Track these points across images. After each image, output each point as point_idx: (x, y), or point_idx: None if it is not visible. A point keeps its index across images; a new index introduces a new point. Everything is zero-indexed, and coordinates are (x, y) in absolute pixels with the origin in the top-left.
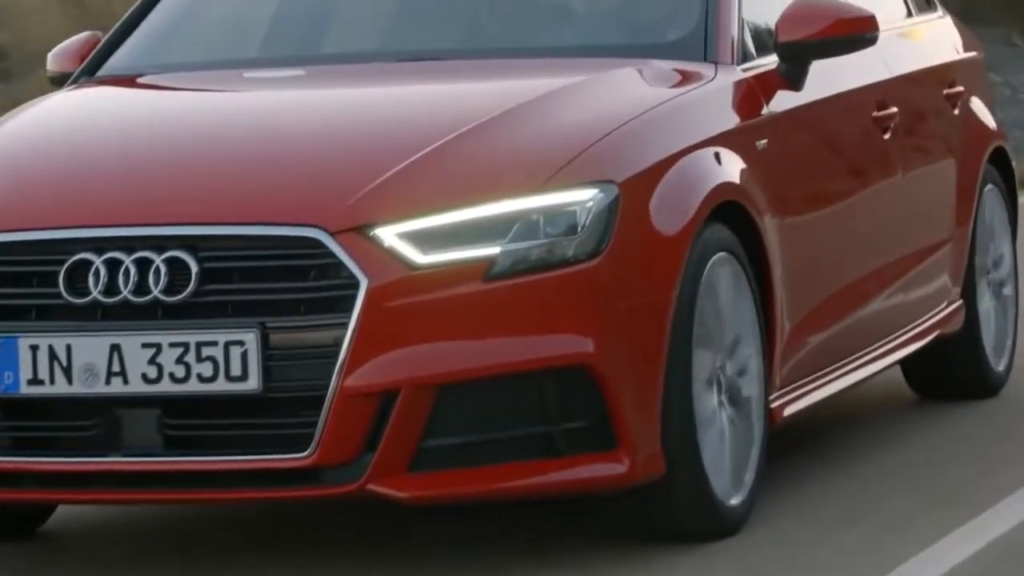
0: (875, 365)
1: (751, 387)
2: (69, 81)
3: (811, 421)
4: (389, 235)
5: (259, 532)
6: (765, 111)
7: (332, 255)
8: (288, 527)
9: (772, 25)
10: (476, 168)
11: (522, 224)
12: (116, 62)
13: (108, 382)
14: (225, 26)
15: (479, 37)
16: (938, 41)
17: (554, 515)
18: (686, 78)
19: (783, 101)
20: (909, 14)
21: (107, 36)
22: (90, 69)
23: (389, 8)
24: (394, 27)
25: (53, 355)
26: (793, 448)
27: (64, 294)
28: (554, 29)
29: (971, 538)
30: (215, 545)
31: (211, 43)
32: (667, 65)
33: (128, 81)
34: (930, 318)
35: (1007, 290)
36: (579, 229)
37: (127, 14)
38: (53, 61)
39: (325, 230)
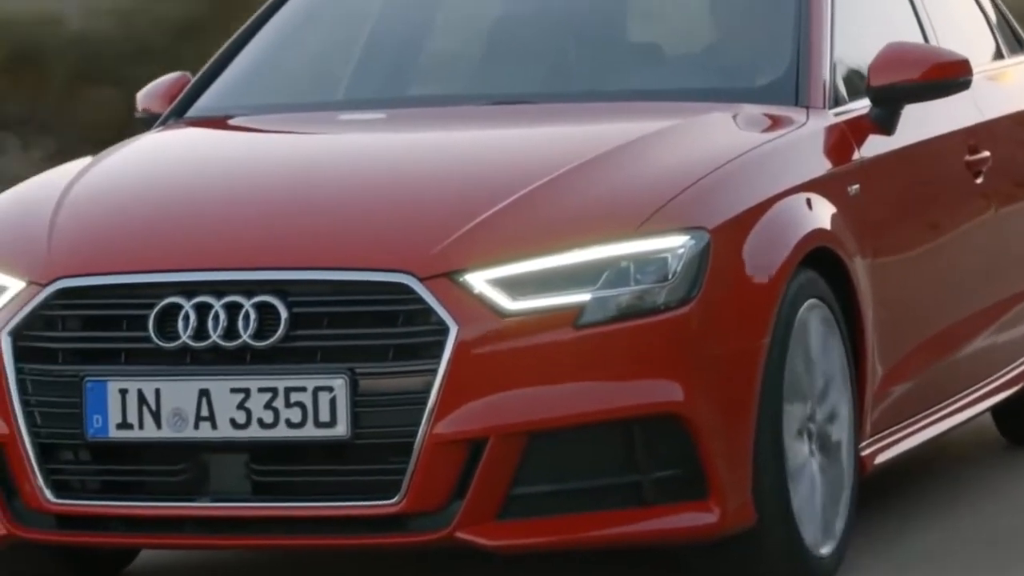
0: (968, 411)
1: (841, 435)
2: (158, 122)
3: (896, 469)
4: (479, 281)
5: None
6: (857, 156)
7: (421, 301)
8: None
9: (863, 68)
10: (566, 214)
11: (612, 271)
12: (205, 103)
13: (197, 427)
14: (311, 68)
15: (566, 80)
16: None
17: (640, 566)
18: (778, 123)
19: (875, 146)
20: (1000, 56)
21: (196, 77)
22: (179, 110)
23: (474, 51)
24: (478, 70)
25: (142, 399)
26: (877, 498)
27: (154, 338)
28: (644, 72)
29: None
30: None
31: (298, 85)
32: (758, 110)
33: (217, 122)
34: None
35: None
36: (670, 276)
37: (215, 56)
38: (142, 101)
39: (414, 275)
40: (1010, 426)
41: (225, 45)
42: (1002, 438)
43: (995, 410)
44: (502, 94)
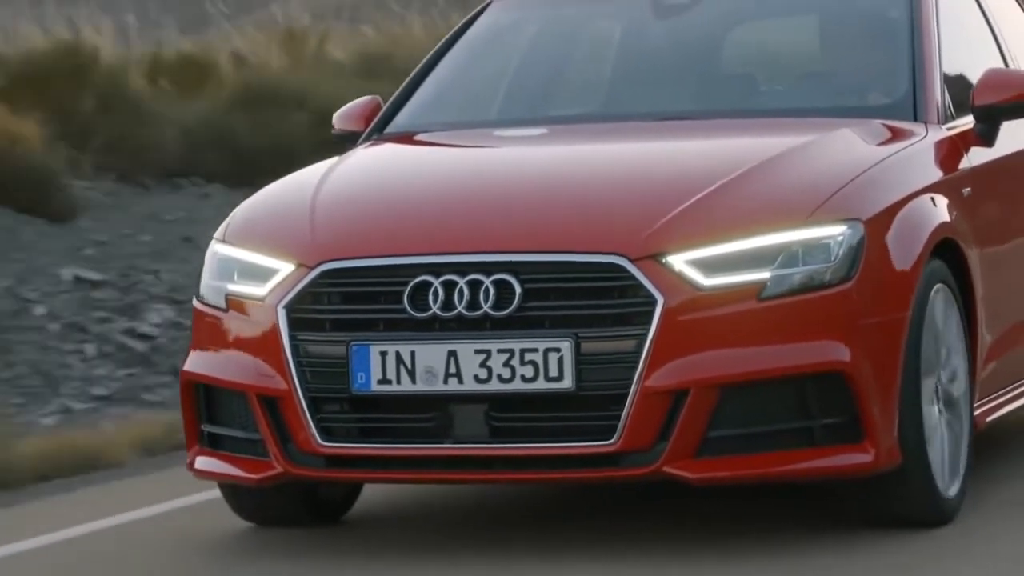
0: None
1: (961, 394)
2: (363, 138)
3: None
4: (679, 261)
5: (532, 533)
6: (966, 164)
7: (633, 278)
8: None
9: (962, 88)
10: (746, 207)
11: (786, 254)
12: (400, 120)
13: (445, 382)
14: (489, 89)
15: (712, 100)
16: None
17: (799, 505)
18: (903, 135)
19: (980, 156)
20: None
21: (389, 101)
22: (379, 128)
23: (620, 76)
24: (624, 92)
25: (400, 360)
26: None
27: (408, 309)
28: (780, 93)
29: None
30: (493, 541)
31: (481, 104)
32: (885, 124)
33: (415, 138)
34: None
35: None
36: (833, 258)
37: (405, 82)
38: (339, 121)
39: (627, 257)
40: None
41: (413, 72)
42: None
43: None
44: (661, 111)
